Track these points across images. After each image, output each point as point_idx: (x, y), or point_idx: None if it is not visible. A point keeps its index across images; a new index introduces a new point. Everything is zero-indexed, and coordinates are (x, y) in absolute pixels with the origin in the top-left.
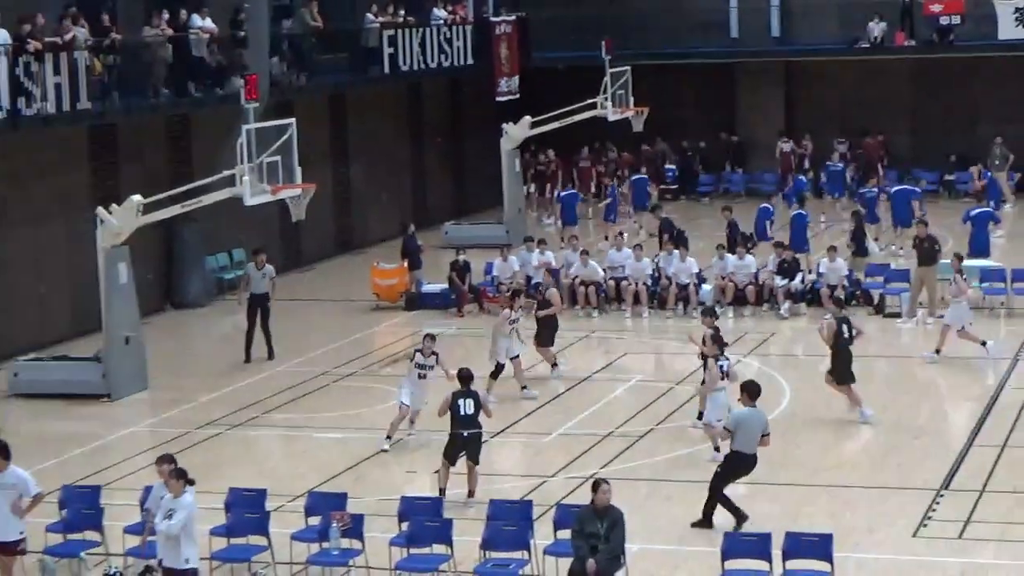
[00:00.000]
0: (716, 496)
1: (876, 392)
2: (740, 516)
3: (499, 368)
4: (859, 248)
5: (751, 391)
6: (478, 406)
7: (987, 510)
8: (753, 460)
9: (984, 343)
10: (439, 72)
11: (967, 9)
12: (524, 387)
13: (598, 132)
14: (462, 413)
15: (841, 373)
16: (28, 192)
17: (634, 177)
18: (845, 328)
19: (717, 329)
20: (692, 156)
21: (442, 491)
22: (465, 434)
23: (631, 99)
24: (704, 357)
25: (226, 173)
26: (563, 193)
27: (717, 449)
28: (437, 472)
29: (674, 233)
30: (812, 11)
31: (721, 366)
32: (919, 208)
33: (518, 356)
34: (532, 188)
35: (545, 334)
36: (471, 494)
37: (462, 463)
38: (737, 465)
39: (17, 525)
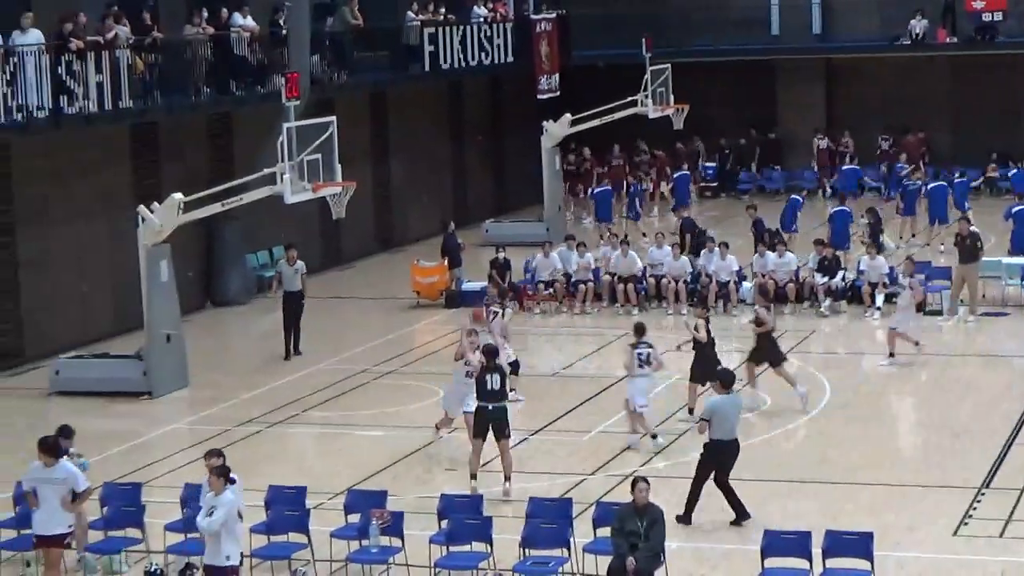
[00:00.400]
0: (696, 490)
1: (916, 390)
2: (742, 513)
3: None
4: (874, 245)
5: (724, 380)
6: (504, 381)
7: None
8: (734, 447)
9: (917, 343)
10: (479, 70)
11: (1009, 6)
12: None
13: (634, 130)
14: (488, 388)
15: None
16: (70, 190)
17: (676, 175)
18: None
19: (707, 320)
20: (730, 154)
21: (473, 476)
22: (491, 407)
23: (671, 96)
24: (695, 345)
25: (267, 171)
26: (597, 190)
27: (634, 431)
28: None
29: (696, 233)
30: (853, 8)
31: (639, 354)
32: (955, 205)
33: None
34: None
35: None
36: (507, 479)
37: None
38: (715, 454)
39: (66, 519)
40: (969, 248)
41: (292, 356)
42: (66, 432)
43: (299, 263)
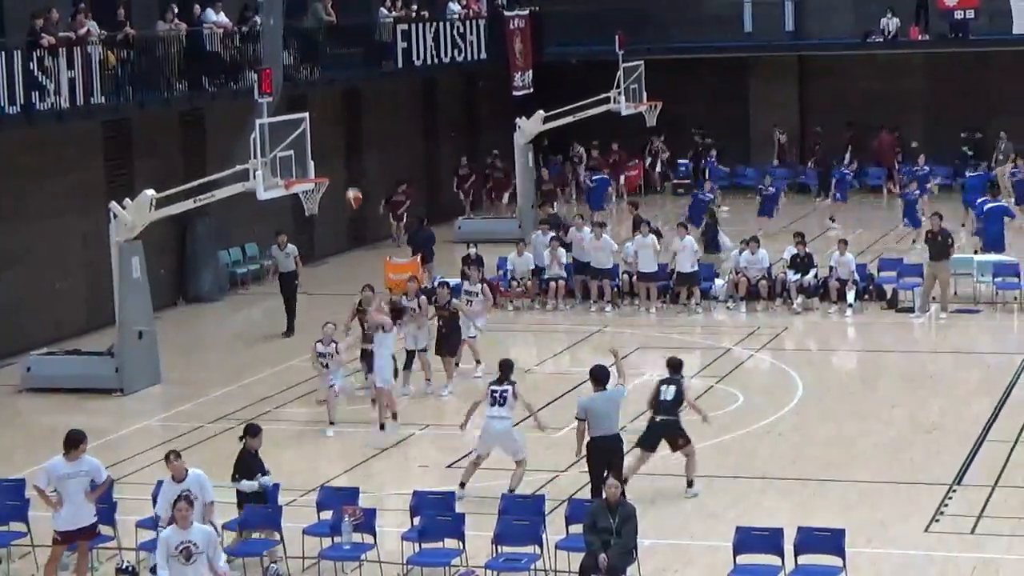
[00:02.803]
0: (596, 489)
1: (889, 387)
2: None
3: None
4: (711, 244)
5: (596, 377)
6: (679, 392)
7: (1000, 505)
8: (614, 441)
9: None
10: (453, 67)
11: (982, 3)
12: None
13: (609, 127)
14: (662, 398)
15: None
16: (42, 187)
17: (595, 177)
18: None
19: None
20: (702, 150)
21: (462, 485)
22: (660, 420)
23: (644, 93)
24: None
25: (240, 167)
26: (595, 177)
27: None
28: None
29: (563, 229)
30: (826, 6)
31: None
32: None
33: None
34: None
35: None
36: (690, 484)
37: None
38: (598, 451)
39: (91, 510)
40: (940, 245)
41: (285, 334)
42: (252, 431)
43: (290, 246)
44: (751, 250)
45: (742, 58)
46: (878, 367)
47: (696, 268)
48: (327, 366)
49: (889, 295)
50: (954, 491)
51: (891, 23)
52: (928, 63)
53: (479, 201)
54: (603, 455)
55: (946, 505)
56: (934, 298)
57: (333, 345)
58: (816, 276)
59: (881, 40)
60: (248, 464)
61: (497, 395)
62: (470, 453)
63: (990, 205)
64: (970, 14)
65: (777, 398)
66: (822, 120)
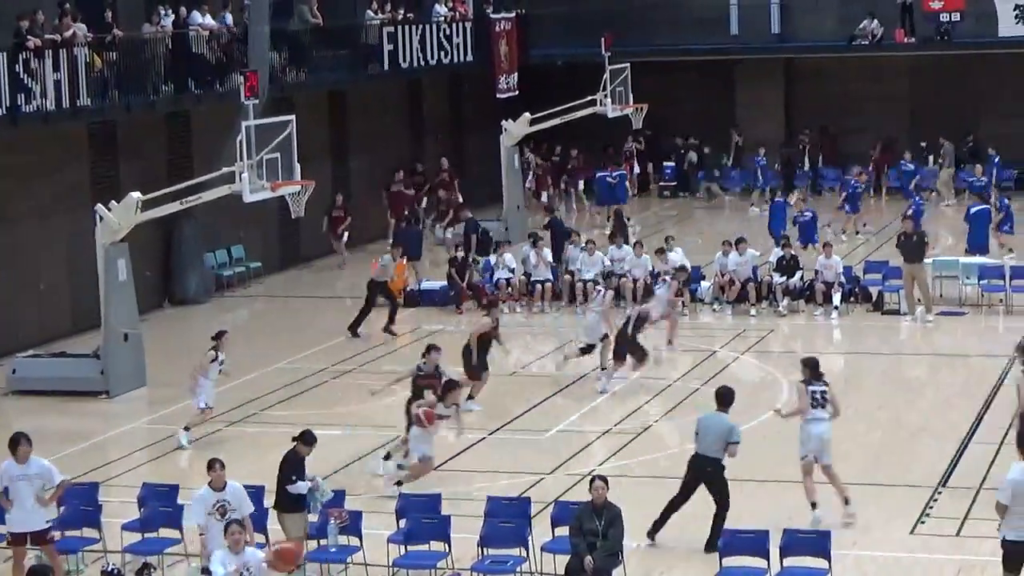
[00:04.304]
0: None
1: (875, 389)
2: None
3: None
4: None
5: (720, 397)
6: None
7: (985, 507)
8: (704, 462)
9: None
10: (439, 69)
11: (967, 6)
12: None
13: (599, 129)
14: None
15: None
16: (28, 189)
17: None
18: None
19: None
20: (686, 153)
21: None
22: None
23: (631, 96)
24: None
25: (226, 170)
26: (600, 174)
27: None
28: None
29: (479, 234)
30: (812, 8)
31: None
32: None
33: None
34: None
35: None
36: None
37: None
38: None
39: (44, 514)
40: (915, 246)
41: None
42: (307, 438)
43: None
44: (739, 251)
45: (728, 60)
46: (863, 369)
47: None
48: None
49: (875, 297)
50: (940, 493)
51: (873, 25)
52: (914, 66)
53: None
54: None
55: (931, 507)
56: (919, 300)
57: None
58: (802, 279)
59: (867, 43)
60: (293, 468)
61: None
62: None
63: (975, 208)
64: (955, 17)
65: (763, 400)
66: (808, 123)
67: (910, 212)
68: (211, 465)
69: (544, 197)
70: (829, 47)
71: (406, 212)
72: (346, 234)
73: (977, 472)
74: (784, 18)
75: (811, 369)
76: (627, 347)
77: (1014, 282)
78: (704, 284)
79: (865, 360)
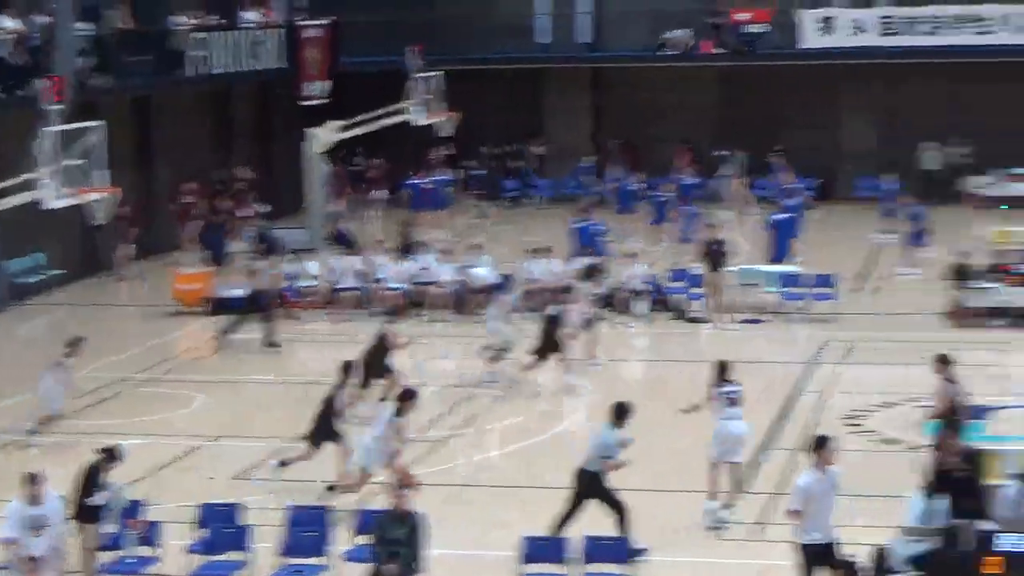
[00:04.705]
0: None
1: (676, 396)
2: None
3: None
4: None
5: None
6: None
7: (782, 513)
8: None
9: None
10: (249, 75)
11: (773, 18)
12: None
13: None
14: None
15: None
16: None
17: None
18: None
19: None
20: (495, 162)
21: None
22: None
23: (443, 104)
24: None
25: (27, 176)
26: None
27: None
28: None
29: (348, 244)
30: (622, 18)
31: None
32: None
33: None
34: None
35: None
36: None
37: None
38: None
39: None
40: (716, 255)
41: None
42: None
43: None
44: (545, 259)
45: (537, 69)
46: (666, 377)
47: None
48: None
49: (679, 305)
50: (736, 499)
51: (681, 35)
52: (721, 76)
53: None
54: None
55: (731, 512)
56: (720, 307)
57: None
58: (606, 287)
59: (675, 53)
60: (94, 480)
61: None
62: None
63: (778, 217)
64: (762, 28)
65: (563, 407)
66: (616, 132)
67: (713, 221)
68: (30, 479)
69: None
70: (637, 57)
71: (205, 220)
72: (133, 245)
73: (775, 478)
74: (594, 27)
75: (720, 371)
76: (548, 345)
77: (815, 290)
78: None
79: (668, 367)
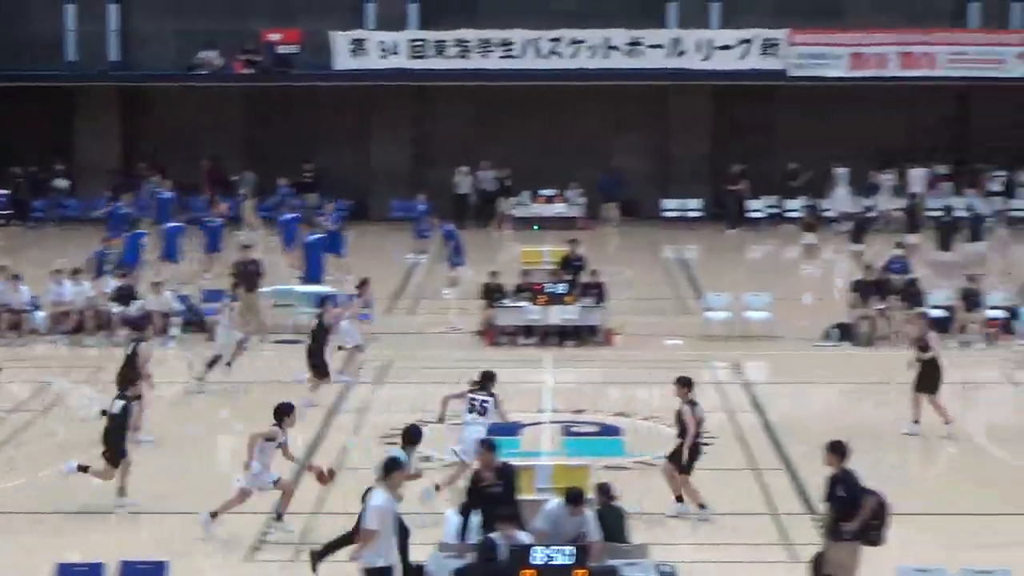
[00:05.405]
0: None
1: (222, 416)
2: None
3: None
4: None
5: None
6: None
7: (322, 531)
8: None
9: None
10: None
11: (305, 39)
12: None
13: None
14: None
15: None
16: None
17: None
18: None
19: None
20: (22, 182)
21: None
22: None
23: None
24: None
25: None
26: None
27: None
28: None
29: None
30: (152, 37)
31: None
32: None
33: None
34: None
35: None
36: None
37: None
38: None
39: None
40: (251, 275)
41: None
42: None
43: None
44: (74, 281)
45: (66, 88)
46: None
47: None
48: None
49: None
50: (275, 521)
51: (210, 56)
52: (252, 96)
53: None
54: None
55: (268, 533)
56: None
57: None
58: (141, 308)
59: (206, 73)
60: None
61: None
62: None
63: (311, 238)
64: (293, 49)
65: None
66: (149, 152)
67: (246, 242)
68: None
69: None
70: (167, 76)
71: None
72: None
73: (312, 499)
74: (121, 46)
75: (482, 381)
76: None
77: (365, 310)
78: (39, 314)
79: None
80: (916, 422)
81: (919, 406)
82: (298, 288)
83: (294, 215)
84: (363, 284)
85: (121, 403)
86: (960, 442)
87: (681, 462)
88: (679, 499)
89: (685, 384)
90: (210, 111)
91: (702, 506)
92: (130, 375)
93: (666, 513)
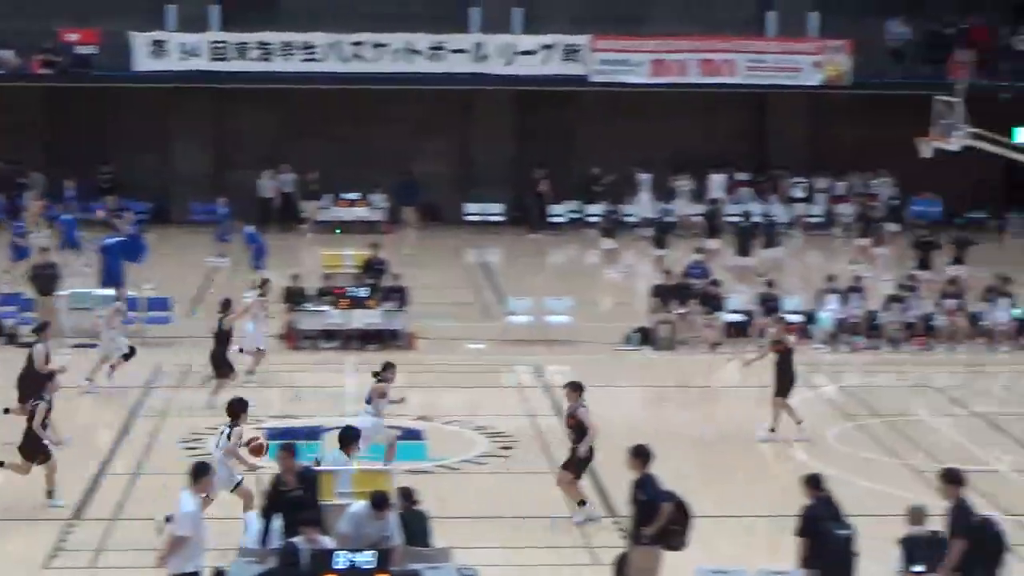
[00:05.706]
0: None
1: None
2: None
3: None
4: None
5: None
6: None
7: (121, 537)
8: None
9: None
10: None
11: (105, 39)
12: None
13: None
14: None
15: None
16: None
17: None
18: None
19: None
20: None
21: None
22: None
23: None
24: None
25: None
26: None
27: None
28: None
29: None
30: None
31: None
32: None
33: None
34: None
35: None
36: None
37: None
38: None
39: None
40: (48, 278)
41: None
42: None
43: None
44: None
45: None
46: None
47: None
48: None
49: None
50: (74, 525)
51: (11, 55)
52: (50, 97)
53: None
54: None
55: (65, 540)
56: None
57: None
58: None
59: (2, 72)
60: None
61: None
62: None
63: (109, 241)
64: (92, 49)
65: None
66: None
67: (43, 244)
68: None
69: None
70: None
71: None
72: None
73: (111, 503)
74: None
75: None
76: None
77: (149, 313)
78: None
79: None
80: (772, 429)
81: (779, 411)
82: (95, 291)
83: (73, 216)
84: (264, 283)
85: None
86: (762, 445)
87: (577, 465)
88: (582, 504)
89: (576, 388)
90: (7, 111)
91: (582, 503)
92: None
93: (574, 520)
